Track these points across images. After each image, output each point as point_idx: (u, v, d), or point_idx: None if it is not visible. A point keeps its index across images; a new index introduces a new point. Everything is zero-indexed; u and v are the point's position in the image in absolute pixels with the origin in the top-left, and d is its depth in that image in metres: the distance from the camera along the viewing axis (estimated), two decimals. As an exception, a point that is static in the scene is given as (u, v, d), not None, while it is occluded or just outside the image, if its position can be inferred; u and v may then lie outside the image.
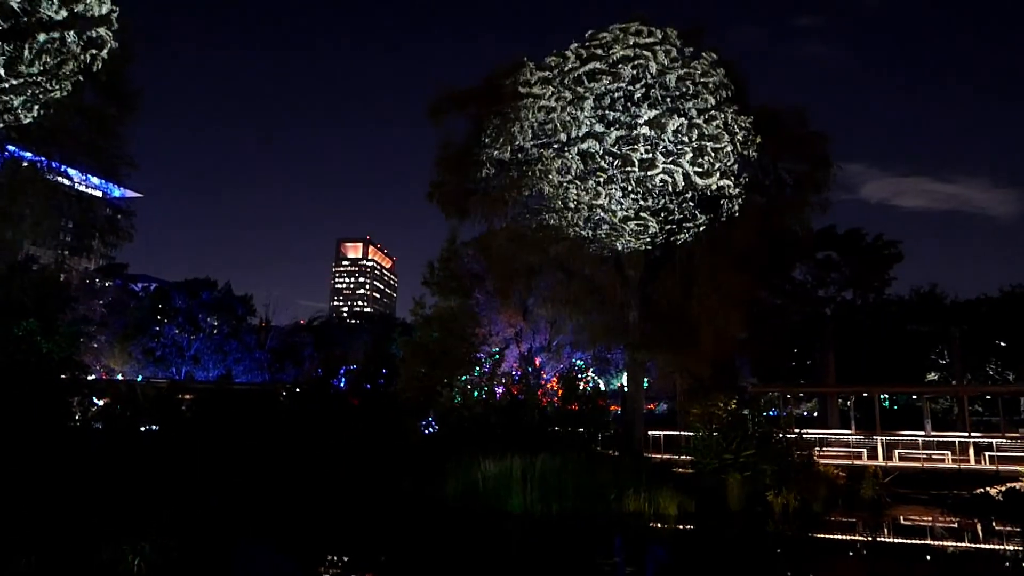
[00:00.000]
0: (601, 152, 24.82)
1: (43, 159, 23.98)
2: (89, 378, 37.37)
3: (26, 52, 13.38)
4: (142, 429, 31.11)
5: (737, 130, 25.65)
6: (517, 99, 26.55)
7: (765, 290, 37.28)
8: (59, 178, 25.04)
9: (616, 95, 25.15)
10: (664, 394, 48.36)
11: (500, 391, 33.71)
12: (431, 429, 32.77)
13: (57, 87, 14.19)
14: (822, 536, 19.96)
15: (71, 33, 13.61)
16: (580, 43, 25.79)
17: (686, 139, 24.80)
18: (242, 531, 19.28)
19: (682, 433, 28.70)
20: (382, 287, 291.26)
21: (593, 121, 25.21)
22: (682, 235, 27.63)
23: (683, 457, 26.72)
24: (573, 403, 31.29)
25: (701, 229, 27.58)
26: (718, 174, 25.13)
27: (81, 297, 48.54)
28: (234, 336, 67.00)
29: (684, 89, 25.09)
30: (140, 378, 54.22)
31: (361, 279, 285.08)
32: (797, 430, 26.98)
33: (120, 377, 53.83)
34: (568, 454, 23.94)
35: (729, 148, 25.34)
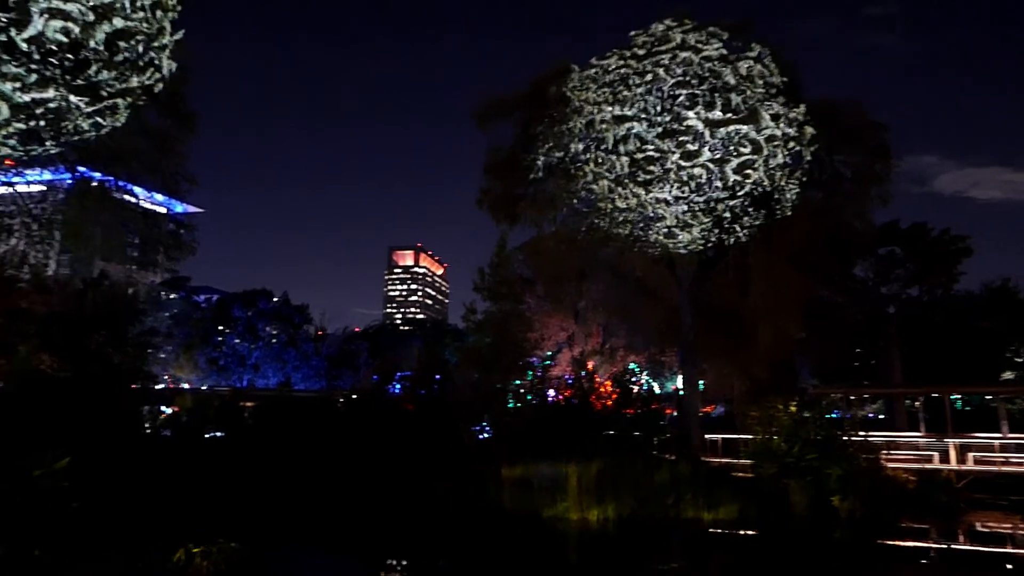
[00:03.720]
0: (648, 152, 24.54)
1: (111, 179, 25.07)
2: (157, 387, 38.89)
3: (92, 70, 13.98)
4: (207, 436, 32.17)
5: (789, 123, 24.99)
6: (563, 103, 26.48)
7: (824, 288, 36.17)
8: (126, 196, 26.14)
9: (662, 93, 24.83)
10: (721, 396, 47.36)
11: (553, 395, 33.62)
12: (485, 434, 32.90)
13: (120, 112, 14.82)
14: (892, 543, 19.18)
15: (132, 73, 14.23)
16: (625, 43, 25.58)
17: (734, 134, 24.31)
18: (303, 534, 19.71)
19: (740, 436, 28.04)
20: (434, 293, 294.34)
21: (639, 120, 24.94)
22: (735, 234, 27.05)
23: (742, 461, 26.10)
24: (627, 406, 30.95)
25: (755, 227, 26.94)
26: (769, 169, 24.52)
27: (148, 310, 50.55)
28: (292, 344, 68.73)
29: (732, 84, 24.59)
30: (205, 387, 56.16)
31: (413, 286, 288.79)
32: (862, 433, 26.03)
33: (186, 386, 55.84)
34: (623, 458, 23.69)
35: (781, 142, 24.71)
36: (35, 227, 25.32)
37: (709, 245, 27.96)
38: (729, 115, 24.07)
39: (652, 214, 26.17)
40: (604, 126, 25.25)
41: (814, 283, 30.96)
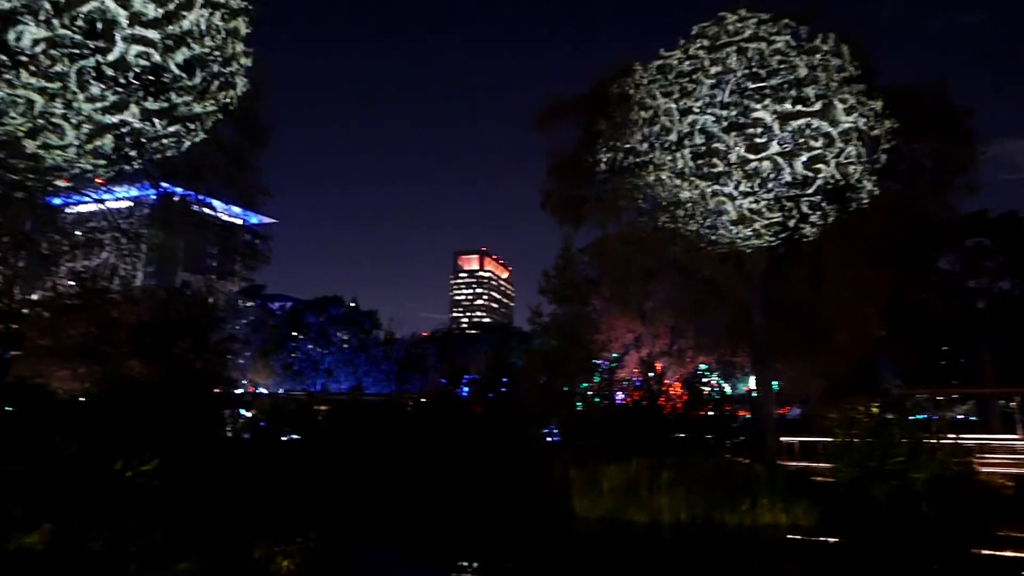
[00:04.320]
0: (714, 147, 23.99)
1: (191, 193, 26.33)
2: (237, 392, 40.53)
3: (174, 97, 14.74)
4: (284, 439, 33.29)
5: (864, 112, 23.97)
6: (625, 102, 26.20)
7: (906, 284, 34.48)
8: (205, 210, 27.37)
9: (728, 87, 24.23)
10: (796, 398, 45.77)
11: (621, 397, 33.26)
12: (553, 437, 32.82)
13: (199, 130, 15.58)
14: (988, 553, 18.06)
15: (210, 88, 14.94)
16: (688, 38, 25.12)
17: (806, 127, 23.48)
18: (376, 534, 20.13)
19: (818, 439, 27.01)
20: (499, 297, 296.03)
21: (706, 114, 24.41)
22: (807, 229, 26.11)
23: (821, 464, 25.13)
24: (698, 408, 30.31)
25: (829, 221, 25.92)
26: (843, 163, 23.57)
27: (227, 317, 52.75)
28: (362, 349, 70.47)
29: (804, 75, 23.77)
30: (281, 391, 58.18)
31: (479, 290, 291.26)
32: (952, 436, 24.65)
33: (263, 391, 57.99)
34: (695, 461, 23.20)
35: (855, 132, 23.72)
36: (124, 241, 26.82)
37: (779, 241, 27.11)
38: (800, 107, 23.30)
39: (718, 210, 25.58)
40: (668, 120, 24.86)
41: (895, 278, 29.55)
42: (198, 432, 25.40)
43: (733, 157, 23.93)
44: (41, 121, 13.72)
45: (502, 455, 28.07)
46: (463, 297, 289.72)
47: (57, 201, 25.53)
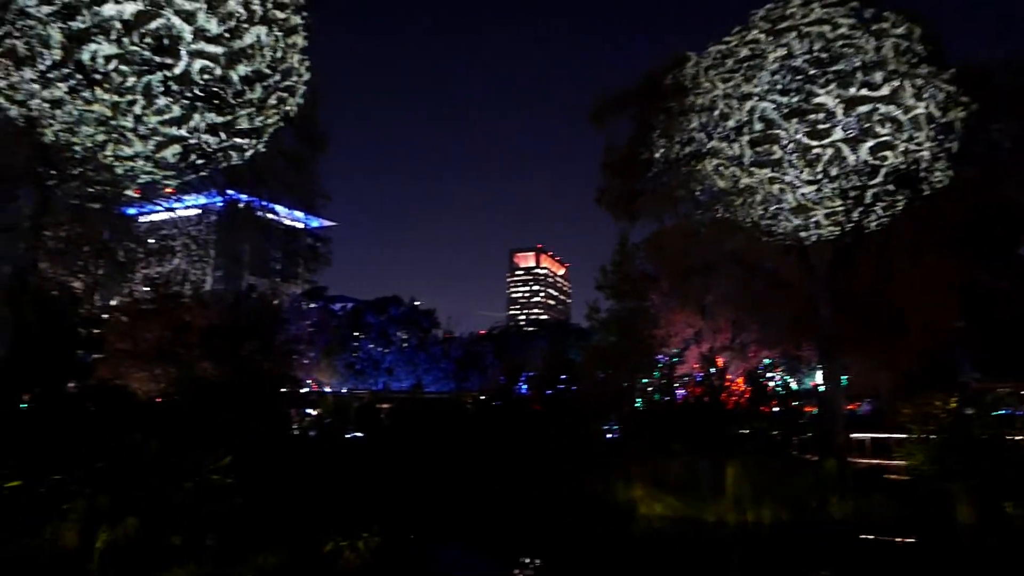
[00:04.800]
0: (773, 134, 23.32)
1: (255, 199, 27.22)
2: (302, 391, 41.72)
3: (239, 114, 15.30)
4: (348, 436, 34.09)
5: (934, 94, 22.89)
6: (681, 93, 25.74)
7: (984, 272, 32.74)
8: (269, 215, 28.24)
9: (788, 72, 23.50)
10: (867, 392, 44.09)
11: (682, 393, 32.75)
12: (613, 433, 32.59)
13: (261, 138, 16.15)
14: (1081, 556, 17.01)
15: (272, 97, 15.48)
16: (746, 24, 24.50)
17: (872, 113, 22.58)
18: (438, 531, 20.40)
19: (891, 436, 25.97)
20: (556, 294, 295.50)
21: (765, 100, 23.76)
22: (875, 217, 25.10)
23: (894, 462, 24.16)
24: (762, 404, 29.58)
25: (898, 208, 24.86)
26: (912, 148, 22.57)
27: (291, 319, 54.35)
28: (422, 348, 71.52)
29: (867, 57, 22.85)
30: (344, 390, 59.58)
31: (535, 287, 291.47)
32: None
33: (328, 390, 59.51)
34: (761, 458, 22.63)
35: (924, 115, 22.66)
36: (193, 247, 27.95)
37: (846, 230, 26.16)
38: (866, 92, 22.40)
39: (779, 199, 24.86)
40: (726, 107, 24.28)
41: (971, 266, 28.11)
42: (267, 430, 26.24)
43: (793, 144, 23.24)
44: (115, 135, 14.42)
45: (562, 452, 28.03)
46: (520, 295, 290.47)
47: (132, 211, 26.80)
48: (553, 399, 41.35)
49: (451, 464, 27.68)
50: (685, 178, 27.18)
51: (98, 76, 13.45)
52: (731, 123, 24.48)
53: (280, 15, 15.05)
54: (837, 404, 29.83)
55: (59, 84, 13.45)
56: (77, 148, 14.78)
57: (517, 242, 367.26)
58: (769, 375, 33.92)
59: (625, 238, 35.71)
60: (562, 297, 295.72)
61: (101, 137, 14.42)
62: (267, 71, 15.11)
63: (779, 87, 23.50)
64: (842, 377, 30.95)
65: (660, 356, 33.70)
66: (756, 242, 28.16)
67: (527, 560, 17.25)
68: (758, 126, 23.64)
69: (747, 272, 30.03)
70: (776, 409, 31.43)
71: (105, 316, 30.75)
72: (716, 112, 24.69)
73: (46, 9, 12.53)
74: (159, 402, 26.82)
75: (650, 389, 33.53)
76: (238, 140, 15.87)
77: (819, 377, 34.12)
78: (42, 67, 13.08)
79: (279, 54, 15.34)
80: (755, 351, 33.49)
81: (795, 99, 23.36)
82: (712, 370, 32.90)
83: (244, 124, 15.52)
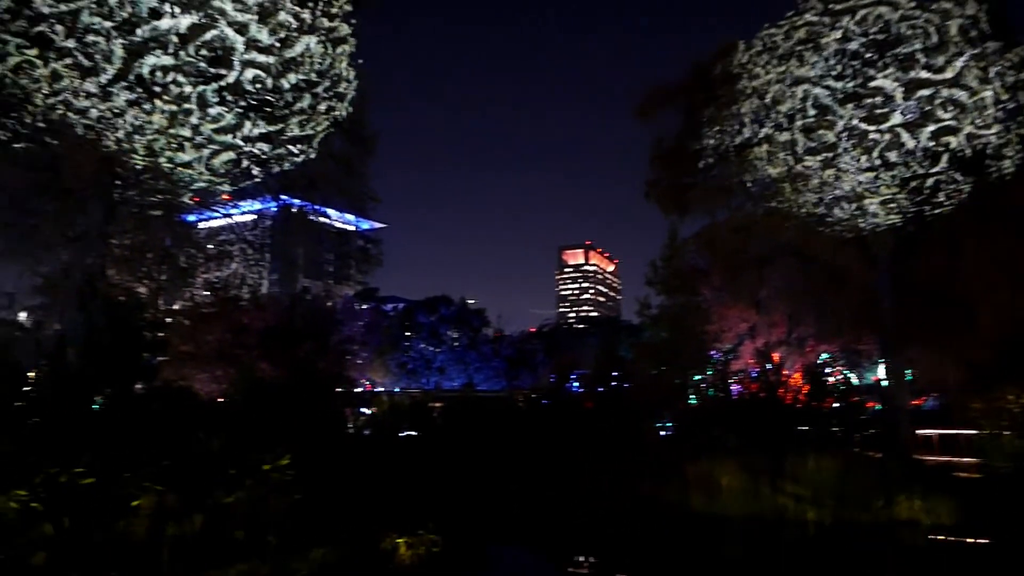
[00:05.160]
0: (828, 120, 22.60)
1: (308, 204, 27.85)
2: (356, 391, 42.45)
3: (290, 122, 15.71)
4: (402, 435, 34.54)
5: (1001, 74, 21.83)
6: (730, 82, 25.22)
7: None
8: (321, 218, 28.86)
9: (844, 56, 22.75)
10: (933, 387, 42.38)
11: (737, 389, 32.08)
12: (666, 431, 32.17)
13: (312, 143, 16.58)
14: None
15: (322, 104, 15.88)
16: (798, 9, 23.82)
17: (934, 97, 21.68)
18: (492, 529, 20.48)
19: (960, 432, 24.89)
20: (606, 290, 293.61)
21: (819, 85, 23.05)
22: (938, 204, 24.09)
23: (964, 459, 23.16)
24: (821, 400, 28.73)
25: (964, 195, 23.80)
26: (977, 132, 21.58)
27: (345, 320, 55.34)
28: (472, 347, 72.02)
29: (927, 39, 21.94)
30: (397, 389, 60.45)
31: (585, 284, 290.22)
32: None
33: (380, 389, 60.47)
34: (821, 456, 21.98)
35: (990, 98, 21.65)
36: (250, 252, 28.77)
37: (908, 218, 25.16)
38: (926, 75, 21.52)
39: (835, 189, 24.08)
40: (778, 94, 23.63)
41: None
42: (324, 429, 26.79)
43: (848, 131, 22.49)
44: (172, 143, 14.96)
45: (614, 449, 27.81)
46: (569, 292, 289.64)
47: (191, 218, 27.75)
48: (605, 397, 41.05)
49: (504, 462, 27.76)
50: (737, 169, 26.62)
51: (157, 88, 13.97)
52: (783, 110, 23.86)
53: (328, 24, 15.38)
54: (901, 399, 28.77)
55: (119, 96, 14.01)
56: (137, 158, 15.37)
57: (566, 239, 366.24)
58: (828, 370, 32.84)
59: (675, 232, 35.23)
60: (612, 294, 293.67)
61: (159, 146, 14.98)
62: (316, 79, 15.46)
63: (834, 72, 22.77)
64: (906, 371, 29.83)
65: (714, 352, 33.07)
66: (812, 233, 27.36)
67: (582, 559, 17.16)
68: (812, 112, 22.95)
69: (803, 264, 29.23)
70: (836, 405, 30.41)
71: (168, 320, 31.89)
72: (767, 99, 24.08)
73: (108, 24, 13.07)
74: (220, 402, 27.67)
75: (704, 386, 32.92)
76: (290, 146, 16.27)
77: (881, 371, 32.96)
78: (104, 79, 13.65)
79: (328, 61, 15.67)
80: (813, 345, 32.55)
81: (851, 84, 22.61)
82: (768, 365, 32.12)
83: (295, 131, 15.92)
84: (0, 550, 10.53)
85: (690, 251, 34.97)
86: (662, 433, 31.99)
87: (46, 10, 13.00)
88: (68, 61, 13.51)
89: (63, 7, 12.90)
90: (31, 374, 20.96)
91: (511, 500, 24.27)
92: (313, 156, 17.51)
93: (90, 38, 13.19)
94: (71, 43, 13.24)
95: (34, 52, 13.37)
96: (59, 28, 13.09)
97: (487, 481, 26.01)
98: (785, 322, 32.03)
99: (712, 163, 28.32)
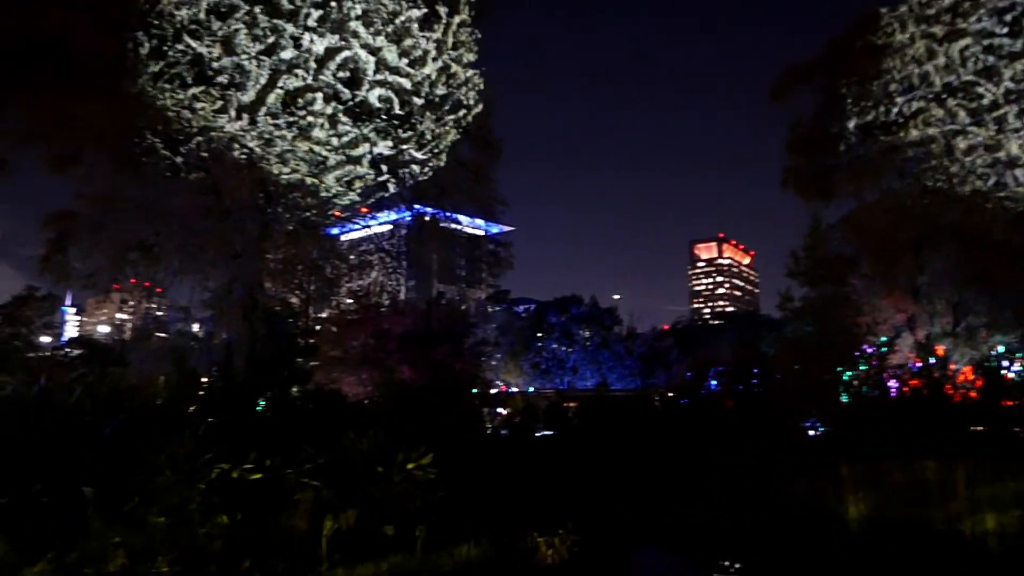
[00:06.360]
0: (996, 81, 20.28)
1: (439, 211, 28.89)
2: (492, 392, 43.45)
3: (420, 127, 16.36)
4: (537, 435, 34.86)
5: None
6: (872, 56, 23.33)
7: None
8: (452, 225, 29.83)
9: (1004, 19, 20.37)
10: None
11: (894, 386, 29.54)
12: (816, 431, 30.23)
13: (441, 153, 17.21)
14: None
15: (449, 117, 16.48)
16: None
17: None
18: (630, 529, 20.14)
19: None
20: (742, 284, 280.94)
21: (979, 56, 20.79)
22: None
23: None
24: (998, 397, 25.82)
25: None
26: None
27: (478, 322, 56.76)
28: (604, 346, 71.40)
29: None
30: (531, 389, 61.16)
31: (719, 278, 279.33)
32: None
33: (515, 389, 61.44)
34: (1000, 459, 19.73)
35: None
36: (388, 260, 30.30)
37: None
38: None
39: (1007, 157, 21.56)
40: (931, 62, 21.53)
41: None
42: (462, 429, 27.60)
43: (1013, 90, 20.08)
44: (316, 162, 16.04)
45: (758, 450, 26.49)
46: (703, 287, 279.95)
47: (335, 231, 29.63)
48: (746, 395, 39.25)
49: (641, 462, 27.27)
50: (886, 147, 24.55)
51: (300, 112, 15.05)
52: (938, 80, 21.72)
53: (455, 37, 15.88)
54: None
55: (267, 121, 15.22)
56: (285, 178, 16.61)
57: (696, 232, 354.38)
58: (1006, 364, 29.47)
59: (818, 219, 33.04)
60: (749, 287, 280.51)
61: (305, 168, 16.12)
62: (444, 91, 16.01)
63: (990, 39, 20.43)
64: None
65: (867, 346, 30.63)
66: (979, 211, 24.65)
67: (726, 563, 16.49)
68: (970, 74, 20.71)
69: (969, 246, 26.37)
70: (1016, 403, 27.20)
71: (317, 327, 34.22)
72: (920, 68, 22.03)
73: (256, 47, 14.24)
74: (365, 404, 29.24)
75: (856, 382, 30.59)
76: (420, 157, 16.95)
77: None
78: (247, 99, 14.85)
79: (454, 70, 16.16)
80: (985, 336, 29.27)
81: (1020, 42, 20.22)
82: (931, 360, 29.26)
83: (426, 142, 16.58)
84: (185, 539, 11.72)
85: (835, 238, 32.69)
86: (811, 433, 30.11)
87: (203, 50, 14.38)
88: (227, 92, 14.88)
89: (219, 32, 14.19)
90: (204, 380, 23.18)
91: (651, 501, 23.77)
92: (442, 164, 18.15)
93: (242, 58, 14.41)
94: (227, 62, 14.51)
95: (200, 89, 14.84)
96: (215, 51, 14.37)
97: (625, 481, 25.65)
98: (950, 311, 29.04)
99: (856, 143, 26.33)
